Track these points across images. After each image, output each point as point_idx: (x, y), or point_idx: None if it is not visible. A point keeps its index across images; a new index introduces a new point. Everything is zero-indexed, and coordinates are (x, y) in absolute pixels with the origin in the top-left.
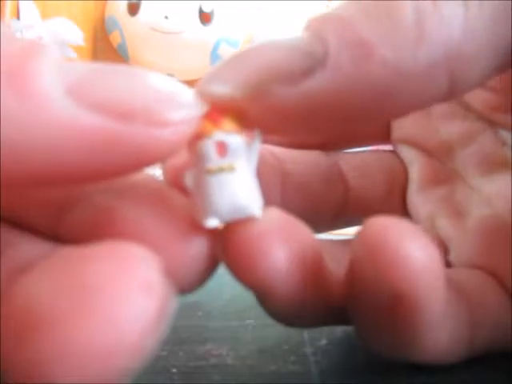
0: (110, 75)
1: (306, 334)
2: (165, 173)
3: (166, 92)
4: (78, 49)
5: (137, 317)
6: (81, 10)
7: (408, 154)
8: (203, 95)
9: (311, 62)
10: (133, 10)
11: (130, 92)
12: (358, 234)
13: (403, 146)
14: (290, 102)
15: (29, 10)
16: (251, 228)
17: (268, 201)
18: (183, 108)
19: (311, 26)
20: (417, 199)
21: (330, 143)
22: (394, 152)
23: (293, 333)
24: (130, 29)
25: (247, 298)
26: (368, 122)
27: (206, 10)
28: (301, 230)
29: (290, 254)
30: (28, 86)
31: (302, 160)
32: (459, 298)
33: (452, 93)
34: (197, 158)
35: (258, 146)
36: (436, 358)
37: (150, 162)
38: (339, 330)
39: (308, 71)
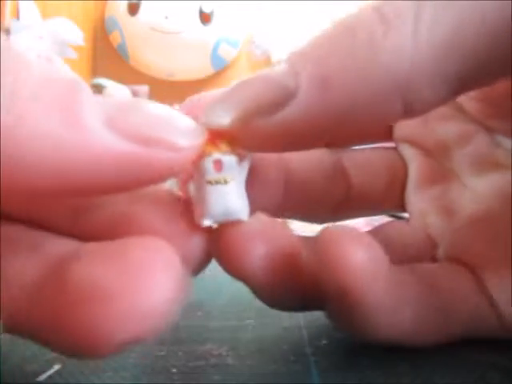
0: (135, 109)
1: (305, 333)
2: (178, 183)
3: (179, 123)
4: (77, 49)
5: (165, 290)
6: (81, 10)
7: (408, 152)
8: (205, 125)
9: (285, 94)
10: (133, 10)
11: (152, 123)
12: (315, 240)
13: (404, 145)
14: (270, 129)
15: (29, 10)
16: (237, 229)
17: (270, 197)
18: (191, 136)
19: (289, 60)
20: (413, 197)
21: (332, 143)
22: (395, 149)
23: (293, 333)
24: (129, 29)
25: (247, 298)
26: (338, 139)
27: (206, 10)
28: (280, 231)
29: (268, 250)
30: (76, 120)
31: (305, 157)
32: (428, 286)
33: (409, 113)
34: (199, 172)
35: (248, 164)
36: (400, 339)
37: (165, 178)
38: (339, 330)
39: (283, 102)
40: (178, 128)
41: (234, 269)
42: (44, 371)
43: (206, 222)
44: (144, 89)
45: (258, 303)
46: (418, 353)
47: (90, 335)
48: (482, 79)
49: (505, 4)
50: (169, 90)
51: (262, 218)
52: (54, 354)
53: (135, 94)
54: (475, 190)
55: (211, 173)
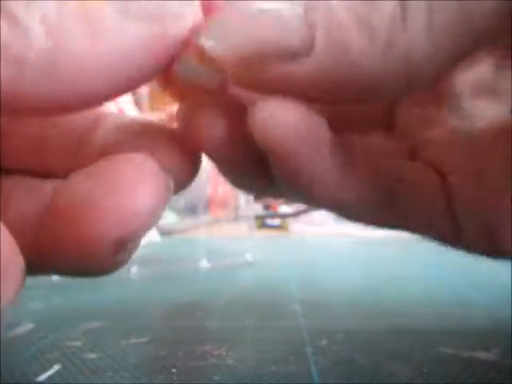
0: None
1: (305, 334)
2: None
3: (175, 4)
4: None
5: (147, 195)
6: None
7: None
8: (206, 49)
9: (298, 49)
10: None
11: (154, 4)
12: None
13: None
14: (273, 76)
15: None
16: (200, 112)
17: None
18: (187, 6)
19: (305, 4)
20: (402, 111)
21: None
22: None
23: (293, 333)
24: None
25: (247, 298)
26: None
27: None
28: (235, 104)
29: (226, 123)
30: (100, 24)
31: None
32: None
33: (409, 87)
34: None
35: None
36: (342, 210)
37: (173, 53)
38: (339, 331)
39: (292, 57)
40: (176, 8)
41: (199, 145)
42: (44, 371)
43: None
44: (144, 88)
45: (258, 304)
46: (418, 353)
47: (86, 240)
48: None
49: None
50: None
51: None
52: (53, 354)
53: (135, 93)
54: (469, 111)
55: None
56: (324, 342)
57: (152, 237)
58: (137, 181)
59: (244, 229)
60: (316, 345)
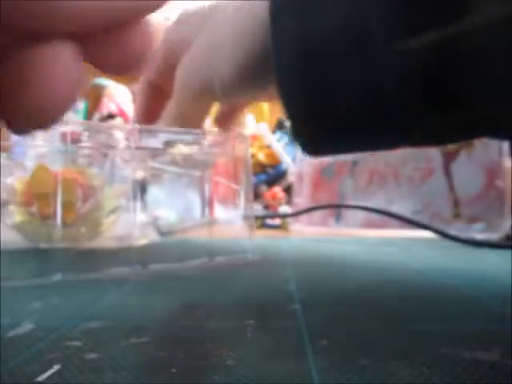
0: None
1: (305, 334)
2: None
3: None
4: None
5: (67, 73)
6: None
7: None
8: None
9: None
10: None
11: None
12: None
13: None
14: None
15: None
16: None
17: None
18: None
19: None
20: None
21: None
22: None
23: (293, 333)
24: None
25: (247, 298)
26: None
27: None
28: None
29: None
30: None
31: None
32: None
33: None
34: None
35: None
36: None
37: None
38: (339, 331)
39: None
40: None
41: None
42: (44, 371)
43: None
44: None
45: (258, 304)
46: (418, 353)
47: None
48: None
49: None
50: None
51: None
52: (54, 354)
53: (134, 92)
54: None
55: None
56: (324, 342)
57: (152, 237)
58: (50, 72)
59: (244, 229)
60: (316, 345)
